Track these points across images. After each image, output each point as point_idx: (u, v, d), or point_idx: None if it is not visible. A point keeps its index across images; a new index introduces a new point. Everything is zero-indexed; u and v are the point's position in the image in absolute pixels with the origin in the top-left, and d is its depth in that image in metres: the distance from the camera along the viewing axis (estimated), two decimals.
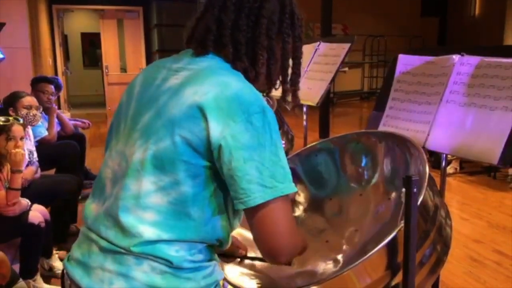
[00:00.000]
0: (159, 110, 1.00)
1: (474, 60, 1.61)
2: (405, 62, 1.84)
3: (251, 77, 1.04)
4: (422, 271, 1.22)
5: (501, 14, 10.76)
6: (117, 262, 0.97)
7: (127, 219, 0.97)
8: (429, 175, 1.24)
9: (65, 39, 11.52)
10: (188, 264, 0.98)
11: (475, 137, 1.52)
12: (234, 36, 1.03)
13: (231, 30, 1.03)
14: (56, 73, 9.01)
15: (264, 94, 1.24)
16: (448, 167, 5.23)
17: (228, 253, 1.42)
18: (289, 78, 1.13)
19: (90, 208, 1.08)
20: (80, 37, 13.52)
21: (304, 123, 2.72)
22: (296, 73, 1.14)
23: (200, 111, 0.93)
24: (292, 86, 1.14)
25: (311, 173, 1.67)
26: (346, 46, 2.43)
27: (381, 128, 1.84)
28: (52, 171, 3.87)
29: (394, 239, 1.11)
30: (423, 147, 1.67)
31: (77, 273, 1.02)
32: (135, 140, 1.01)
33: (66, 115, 6.10)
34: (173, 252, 0.97)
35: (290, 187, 0.95)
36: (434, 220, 1.27)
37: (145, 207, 0.97)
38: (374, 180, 1.55)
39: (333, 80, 2.43)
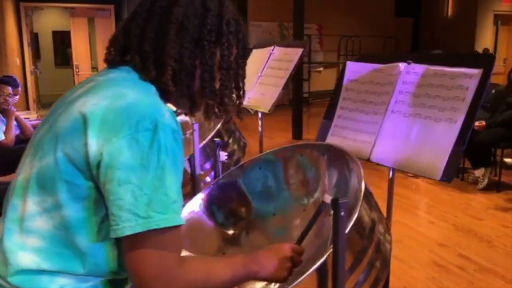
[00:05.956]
0: (51, 123, 0.91)
1: (420, 68, 1.54)
2: (353, 69, 1.77)
3: (162, 90, 0.94)
4: None
5: (473, 14, 10.92)
6: None
7: (8, 243, 0.87)
8: (366, 190, 1.18)
9: (35, 38, 11.25)
10: None
11: (419, 150, 1.46)
12: (140, 44, 0.93)
13: (138, 39, 0.94)
14: (24, 73, 8.81)
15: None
16: None
17: None
18: (215, 90, 0.99)
19: None
20: (51, 35, 13.22)
21: (260, 129, 2.66)
22: (225, 86, 1.00)
23: (83, 124, 0.83)
24: (218, 99, 1.00)
25: (254, 187, 1.59)
26: (299, 50, 2.38)
27: (329, 138, 1.78)
28: (10, 177, 3.74)
29: (324, 263, 1.05)
30: (369, 159, 1.61)
31: None
32: (27, 155, 0.93)
33: (34, 115, 5.94)
34: (57, 287, 0.86)
35: (171, 219, 0.81)
36: (372, 236, 1.21)
37: (29, 231, 0.86)
38: (316, 195, 1.49)
39: (286, 86, 2.36)
